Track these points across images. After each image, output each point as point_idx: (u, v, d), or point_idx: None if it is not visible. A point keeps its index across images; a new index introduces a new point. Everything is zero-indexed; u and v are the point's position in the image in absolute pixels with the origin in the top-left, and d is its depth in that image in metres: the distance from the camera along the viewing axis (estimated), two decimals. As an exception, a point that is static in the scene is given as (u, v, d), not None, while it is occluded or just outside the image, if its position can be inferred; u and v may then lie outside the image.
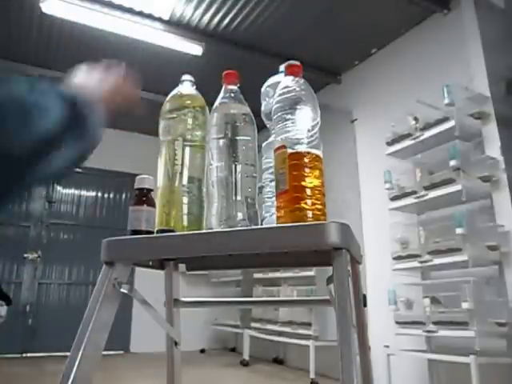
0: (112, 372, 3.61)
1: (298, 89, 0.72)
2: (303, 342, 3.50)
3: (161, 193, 0.82)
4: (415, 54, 3.36)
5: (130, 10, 3.29)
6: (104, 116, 0.55)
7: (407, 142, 2.77)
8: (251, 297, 4.35)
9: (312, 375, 3.28)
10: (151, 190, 0.83)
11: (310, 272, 3.60)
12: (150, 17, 3.38)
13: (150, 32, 3.43)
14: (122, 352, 4.93)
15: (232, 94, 0.80)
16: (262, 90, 0.91)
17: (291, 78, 0.73)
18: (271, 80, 0.90)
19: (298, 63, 0.75)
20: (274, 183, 0.72)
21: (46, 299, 4.89)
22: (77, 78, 0.59)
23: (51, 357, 4.35)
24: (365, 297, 0.83)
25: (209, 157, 0.78)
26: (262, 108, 0.90)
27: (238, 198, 0.74)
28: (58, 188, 5.27)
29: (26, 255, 4.83)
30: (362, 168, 3.75)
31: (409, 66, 3.39)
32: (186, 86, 0.88)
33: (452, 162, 2.41)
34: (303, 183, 0.67)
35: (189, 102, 0.85)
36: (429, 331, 2.42)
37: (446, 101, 2.53)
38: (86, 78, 0.58)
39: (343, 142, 3.88)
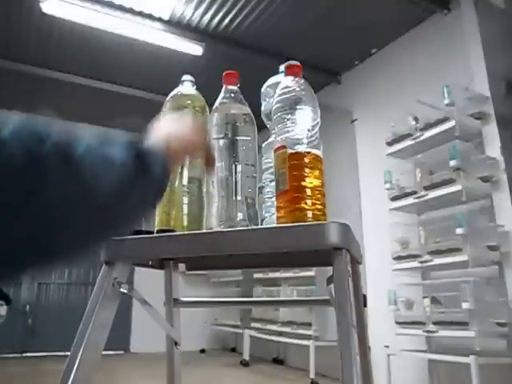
0: (112, 372, 3.61)
1: (297, 89, 0.72)
2: (303, 342, 3.50)
3: (161, 193, 0.81)
4: (415, 53, 3.36)
5: (130, 10, 3.29)
6: (169, 167, 0.53)
7: (407, 142, 2.77)
8: (251, 297, 4.34)
9: (312, 375, 3.28)
10: (151, 190, 0.82)
11: (310, 272, 3.60)
12: (150, 17, 3.37)
13: (150, 32, 3.43)
14: (122, 352, 4.93)
15: (232, 95, 0.80)
16: (262, 90, 0.91)
17: (291, 78, 0.73)
18: (271, 80, 0.90)
19: (297, 63, 0.75)
20: (273, 183, 0.72)
21: (46, 299, 4.89)
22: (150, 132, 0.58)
23: (51, 357, 4.34)
24: (365, 297, 0.83)
25: (209, 157, 0.78)
26: (262, 108, 0.90)
27: (238, 198, 0.74)
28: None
29: (25, 255, 4.82)
30: (361, 168, 3.75)
31: (409, 66, 3.39)
32: (187, 86, 0.88)
33: (452, 162, 2.41)
34: (303, 183, 0.67)
35: (189, 102, 0.85)
36: (429, 331, 2.42)
37: (446, 101, 2.53)
38: (156, 131, 0.57)
39: (343, 142, 3.88)
